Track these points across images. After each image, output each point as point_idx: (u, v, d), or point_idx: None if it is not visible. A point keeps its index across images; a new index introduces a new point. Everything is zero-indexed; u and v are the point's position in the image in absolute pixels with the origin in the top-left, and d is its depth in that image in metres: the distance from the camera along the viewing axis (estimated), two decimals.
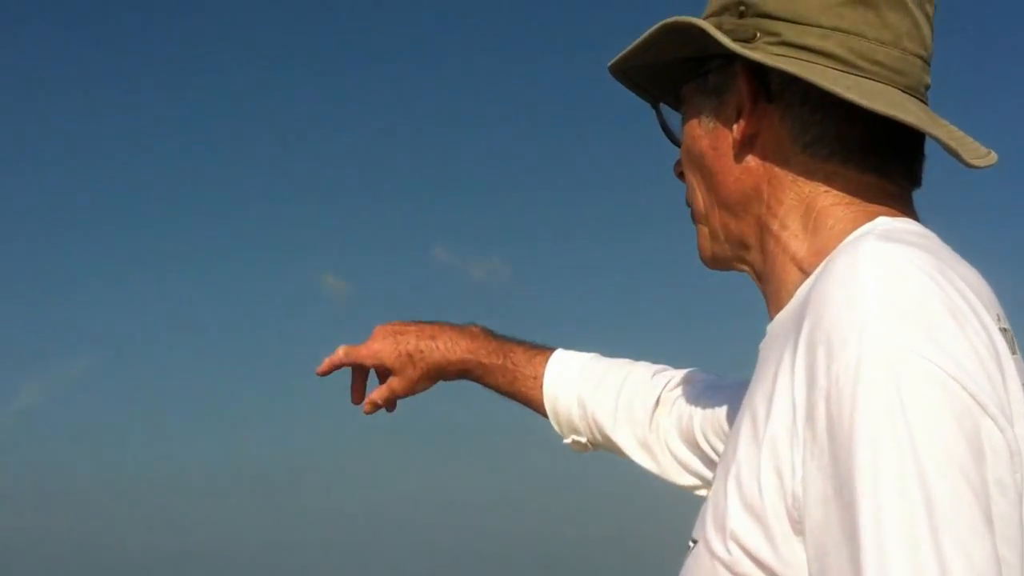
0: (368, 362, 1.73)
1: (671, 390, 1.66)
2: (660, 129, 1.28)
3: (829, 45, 1.10)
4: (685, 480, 1.62)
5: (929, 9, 1.15)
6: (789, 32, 1.11)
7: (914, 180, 1.16)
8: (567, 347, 1.79)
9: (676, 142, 1.26)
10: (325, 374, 1.75)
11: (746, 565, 0.98)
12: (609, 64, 1.25)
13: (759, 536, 0.97)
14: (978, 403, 0.90)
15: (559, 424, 1.74)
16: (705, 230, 1.22)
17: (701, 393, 1.60)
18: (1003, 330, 1.02)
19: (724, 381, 1.60)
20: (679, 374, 1.68)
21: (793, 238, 1.13)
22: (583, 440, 1.73)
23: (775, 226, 1.14)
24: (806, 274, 1.09)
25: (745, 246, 1.19)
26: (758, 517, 0.97)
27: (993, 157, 1.15)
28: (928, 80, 1.16)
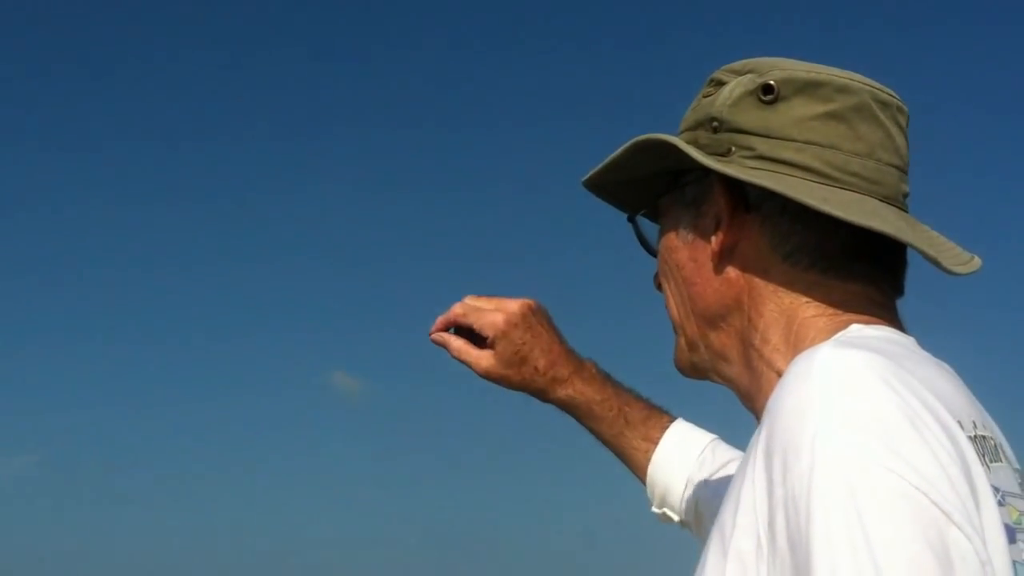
0: (485, 331, 1.54)
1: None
2: (637, 241, 1.28)
3: (805, 158, 1.11)
4: None
5: (902, 120, 1.17)
6: (763, 146, 1.12)
7: (897, 288, 1.16)
8: None
9: (653, 253, 1.26)
10: (440, 330, 1.57)
11: None
12: (583, 180, 1.26)
13: None
14: (943, 512, 0.88)
15: (654, 493, 1.62)
16: (682, 340, 1.22)
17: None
18: (980, 437, 0.99)
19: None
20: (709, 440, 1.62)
21: (775, 352, 1.12)
22: (676, 518, 1.61)
23: (756, 340, 1.13)
24: None
25: (725, 359, 1.18)
26: None
27: (976, 263, 1.14)
28: (906, 188, 1.16)
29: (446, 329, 1.56)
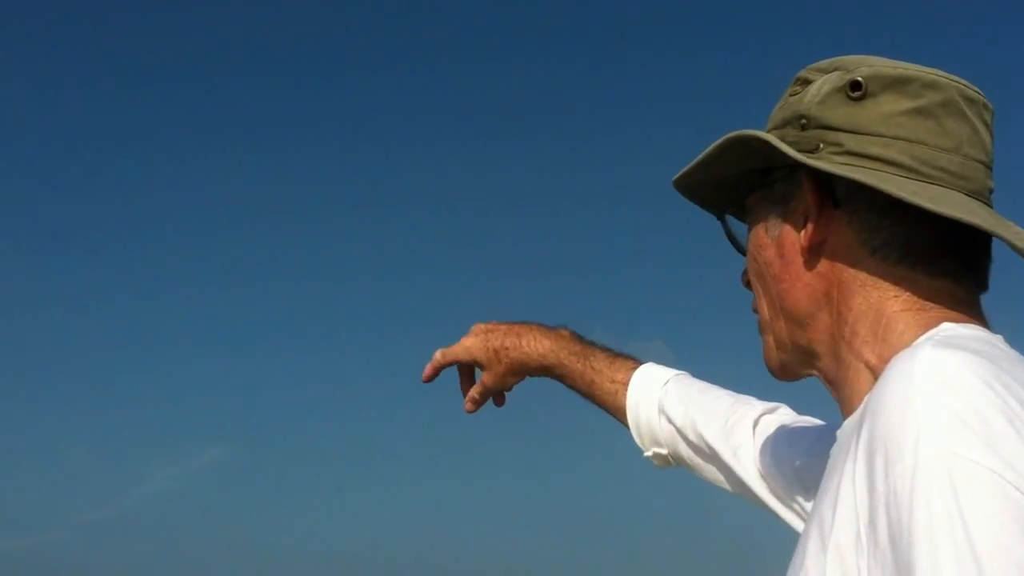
0: (462, 357, 1.84)
1: (765, 416, 1.62)
2: (727, 239, 1.30)
3: (892, 153, 1.12)
4: (768, 503, 1.57)
5: (987, 117, 1.18)
6: (851, 142, 1.13)
7: (982, 284, 1.17)
8: None
9: (742, 251, 1.27)
10: (430, 379, 1.87)
11: None
12: (673, 180, 1.28)
13: None
14: None
15: (639, 434, 1.76)
16: (771, 340, 1.23)
17: (792, 432, 1.57)
18: None
19: (811, 426, 1.57)
20: (771, 405, 1.65)
21: (864, 345, 1.13)
22: (664, 452, 1.74)
23: (846, 332, 1.14)
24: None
25: (814, 354, 1.19)
26: None
27: None
28: (991, 184, 1.17)
29: (435, 375, 1.87)
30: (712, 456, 1.65)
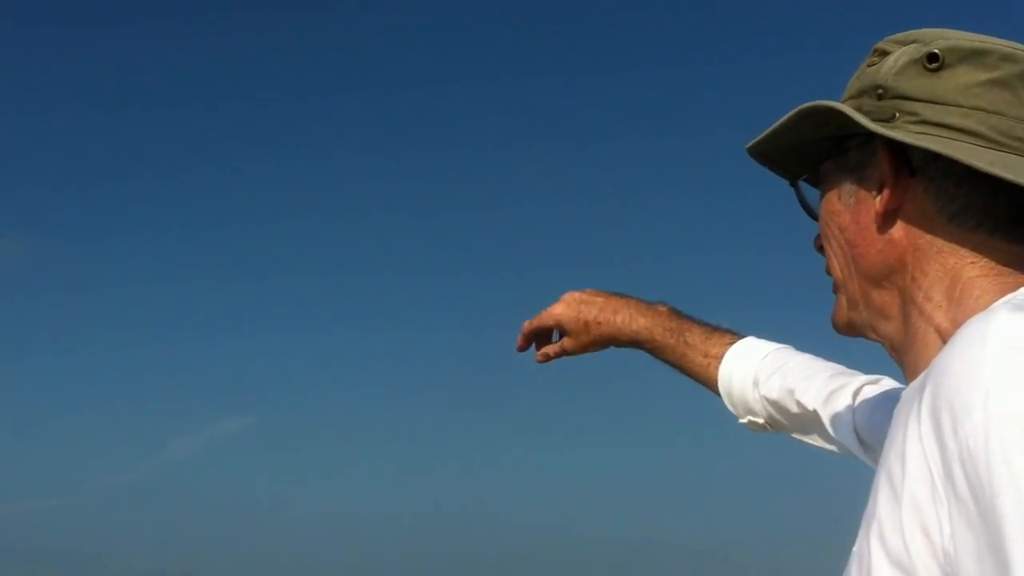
0: (549, 325, 1.91)
1: (867, 385, 1.66)
2: (799, 205, 1.32)
3: (970, 123, 1.14)
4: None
5: None
6: (928, 112, 1.15)
7: None
8: None
9: (814, 216, 1.30)
10: (524, 349, 1.94)
11: None
12: (747, 146, 1.30)
13: None
14: None
15: (732, 403, 1.83)
16: (843, 299, 1.26)
17: (892, 401, 1.59)
18: None
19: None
20: (874, 377, 1.69)
21: (937, 309, 1.15)
22: (760, 421, 1.81)
23: (919, 297, 1.17)
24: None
25: (884, 316, 1.21)
26: (906, 571, 1.00)
27: None
28: None
29: (528, 345, 1.94)
30: (812, 422, 1.70)
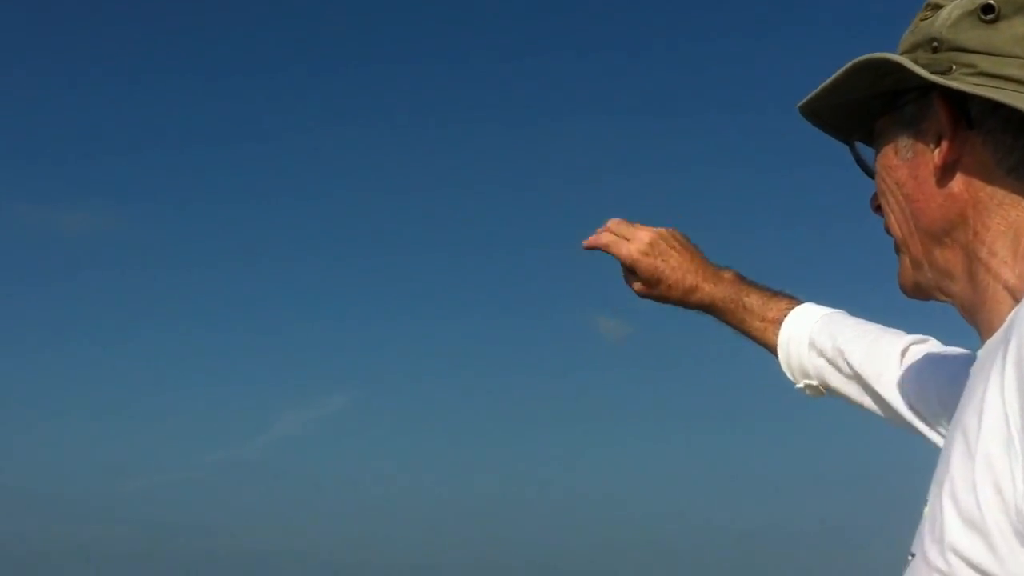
0: (623, 259, 1.91)
1: (913, 345, 1.68)
2: (856, 164, 1.31)
3: None
4: (916, 426, 1.62)
5: None
6: (985, 63, 1.14)
7: None
8: None
9: (871, 175, 1.28)
10: (591, 247, 1.93)
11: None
12: (799, 105, 1.28)
13: (980, 548, 0.98)
14: None
15: (789, 366, 1.86)
16: (907, 259, 1.24)
17: (938, 360, 1.61)
18: None
19: (958, 354, 1.60)
20: (920, 337, 1.71)
21: (1003, 265, 1.14)
22: (815, 384, 1.82)
23: (983, 253, 1.15)
24: (1018, 301, 1.10)
25: (950, 275, 1.19)
26: (978, 530, 0.98)
27: None
28: None
29: (591, 248, 1.92)
30: (860, 382, 1.72)
